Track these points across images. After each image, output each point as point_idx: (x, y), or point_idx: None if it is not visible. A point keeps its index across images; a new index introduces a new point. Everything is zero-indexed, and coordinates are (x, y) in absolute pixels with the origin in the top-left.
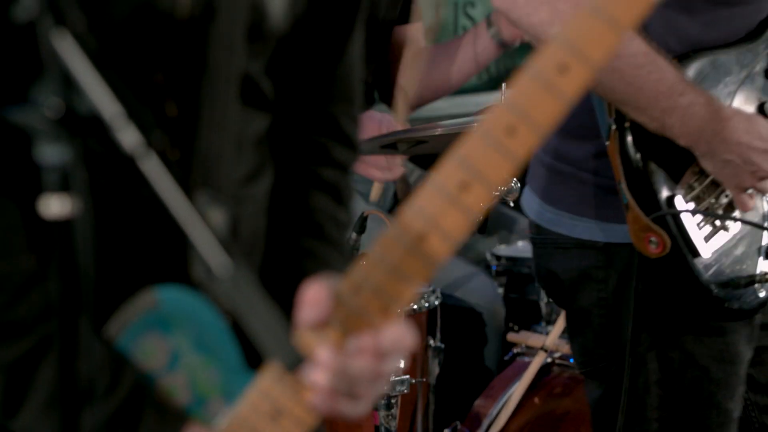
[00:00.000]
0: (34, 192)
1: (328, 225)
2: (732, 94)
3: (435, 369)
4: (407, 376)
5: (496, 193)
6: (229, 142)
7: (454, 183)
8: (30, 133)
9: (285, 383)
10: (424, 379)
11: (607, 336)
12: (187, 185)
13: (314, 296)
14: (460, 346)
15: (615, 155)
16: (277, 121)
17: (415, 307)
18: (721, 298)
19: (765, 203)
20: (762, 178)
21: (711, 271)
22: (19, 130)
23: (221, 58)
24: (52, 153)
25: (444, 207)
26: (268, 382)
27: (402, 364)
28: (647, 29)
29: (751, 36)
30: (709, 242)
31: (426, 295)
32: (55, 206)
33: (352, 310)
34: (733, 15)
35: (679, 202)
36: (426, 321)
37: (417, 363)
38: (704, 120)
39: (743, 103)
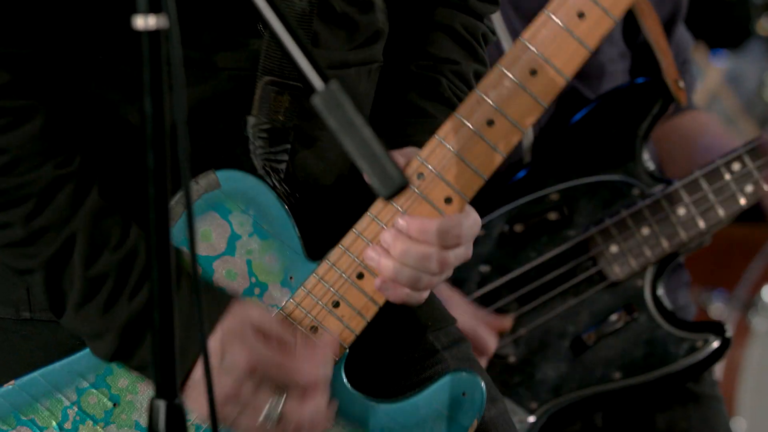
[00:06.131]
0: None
1: (451, 80)
2: None
3: None
4: None
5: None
6: None
7: (523, 69)
8: None
9: (346, 273)
10: None
11: None
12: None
13: None
14: None
15: None
16: None
17: None
18: None
19: None
20: None
21: None
22: None
23: None
24: None
25: (512, 92)
26: (328, 270)
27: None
28: None
29: None
30: None
31: None
32: (146, 18)
33: (415, 194)
34: None
35: None
36: None
37: None
38: None
39: None
